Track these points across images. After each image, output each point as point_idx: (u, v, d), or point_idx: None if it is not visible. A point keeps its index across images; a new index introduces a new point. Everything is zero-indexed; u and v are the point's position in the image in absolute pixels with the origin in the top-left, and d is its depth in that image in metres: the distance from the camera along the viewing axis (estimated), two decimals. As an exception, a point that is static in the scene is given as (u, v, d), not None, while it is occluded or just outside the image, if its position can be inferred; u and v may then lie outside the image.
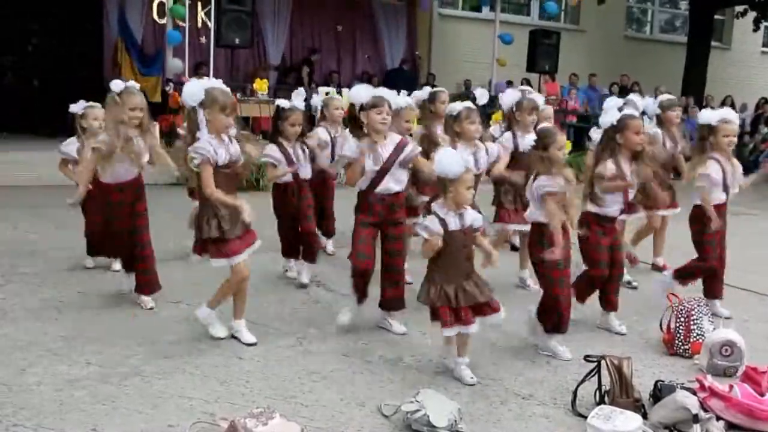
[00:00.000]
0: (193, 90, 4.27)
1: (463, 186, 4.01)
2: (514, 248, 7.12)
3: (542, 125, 4.75)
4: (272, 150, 5.65)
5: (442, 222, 4.02)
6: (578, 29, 20.10)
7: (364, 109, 4.69)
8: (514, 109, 6.00)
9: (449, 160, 4.02)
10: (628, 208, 5.00)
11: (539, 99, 6.32)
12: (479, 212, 4.32)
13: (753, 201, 11.44)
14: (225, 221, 4.33)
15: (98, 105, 5.67)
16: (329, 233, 6.99)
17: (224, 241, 4.36)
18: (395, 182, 4.78)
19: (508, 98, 6.12)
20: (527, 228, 4.93)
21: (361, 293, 4.86)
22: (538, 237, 4.45)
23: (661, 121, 6.52)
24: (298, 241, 5.93)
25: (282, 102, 5.82)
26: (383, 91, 4.80)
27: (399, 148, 4.76)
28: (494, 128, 6.66)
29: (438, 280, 4.06)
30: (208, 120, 4.26)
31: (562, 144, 4.45)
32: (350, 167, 4.75)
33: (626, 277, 6.28)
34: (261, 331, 4.78)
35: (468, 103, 5.56)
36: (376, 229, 4.81)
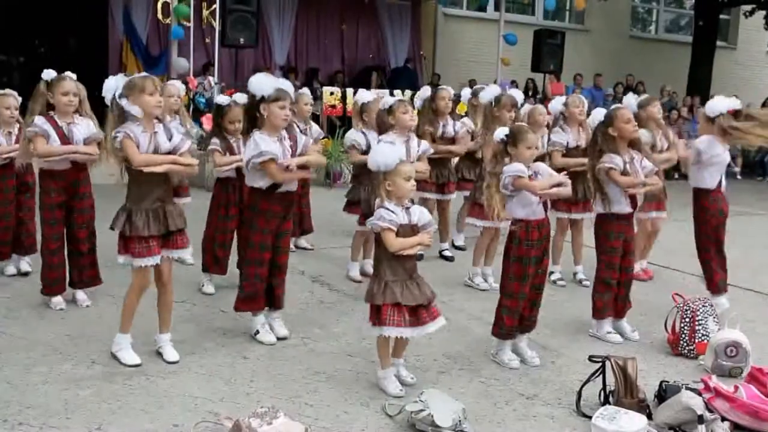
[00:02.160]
0: (111, 84, 4.12)
1: (401, 177, 3.86)
2: (454, 246, 7.18)
3: (519, 123, 4.74)
4: (215, 142, 5.56)
5: (391, 213, 3.85)
6: (583, 29, 20.06)
7: (265, 101, 4.39)
8: (492, 104, 6.02)
9: (382, 153, 3.90)
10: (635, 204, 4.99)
11: (519, 97, 6.33)
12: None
13: (758, 201, 11.43)
14: (139, 216, 4.06)
15: (13, 93, 5.68)
16: (306, 231, 6.93)
17: (131, 239, 4.07)
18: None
19: (487, 94, 6.14)
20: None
21: (260, 304, 4.67)
22: (510, 232, 4.40)
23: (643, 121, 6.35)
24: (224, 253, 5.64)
25: (220, 99, 5.79)
26: (286, 84, 4.52)
27: (293, 141, 4.52)
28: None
29: (384, 276, 3.88)
30: (134, 107, 4.07)
31: (532, 144, 4.37)
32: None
33: (580, 275, 6.40)
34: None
35: (399, 97, 5.55)
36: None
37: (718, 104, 5.24)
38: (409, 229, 3.89)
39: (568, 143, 6.20)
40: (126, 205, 4.13)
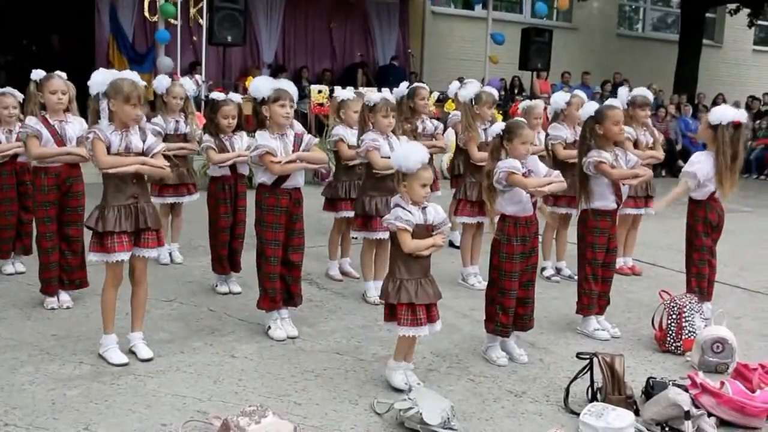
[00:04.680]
0: (98, 79, 4.11)
1: (418, 182, 3.83)
2: (452, 245, 7.20)
3: (516, 119, 4.73)
4: (208, 140, 5.60)
5: (408, 213, 3.86)
6: (571, 27, 20.13)
7: (266, 103, 4.56)
8: (472, 102, 6.04)
9: (406, 155, 3.87)
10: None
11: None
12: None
13: (745, 198, 11.49)
14: (110, 212, 4.06)
15: (13, 92, 5.71)
16: None
17: (102, 235, 4.07)
18: (301, 175, 4.72)
19: (466, 92, 6.15)
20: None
21: (278, 303, 4.73)
22: (498, 228, 4.40)
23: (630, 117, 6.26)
24: (227, 251, 5.67)
25: (216, 95, 5.81)
26: (284, 83, 4.67)
27: (299, 139, 4.68)
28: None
29: (398, 275, 3.89)
30: (112, 111, 4.07)
31: (528, 140, 4.36)
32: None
33: (567, 271, 6.43)
34: (253, 330, 4.79)
35: (387, 95, 5.56)
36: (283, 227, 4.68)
37: (723, 113, 5.02)
38: (424, 229, 3.89)
39: (566, 138, 6.23)
40: (101, 203, 4.13)
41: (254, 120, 4.75)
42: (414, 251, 3.85)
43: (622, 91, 6.44)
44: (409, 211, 3.85)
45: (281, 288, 4.72)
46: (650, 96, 6.58)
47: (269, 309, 4.71)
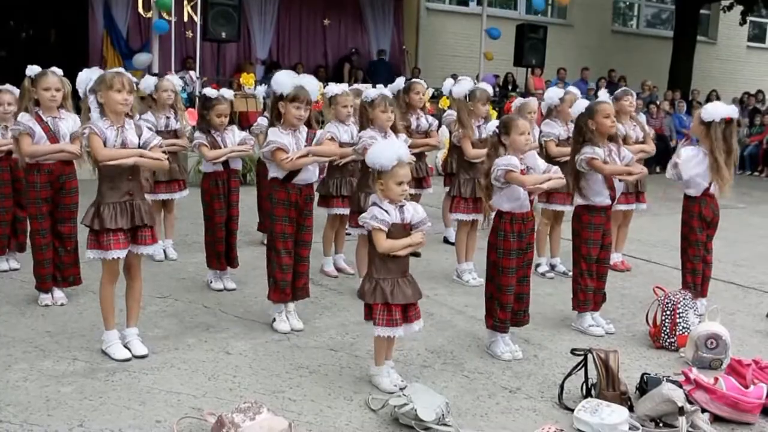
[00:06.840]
0: (83, 77, 4.13)
1: (394, 180, 3.75)
2: (447, 241, 7.20)
3: (509, 114, 4.73)
4: (200, 137, 5.60)
5: (384, 213, 3.80)
6: (565, 23, 20.15)
7: (283, 99, 4.58)
8: (467, 98, 6.06)
9: (380, 152, 3.81)
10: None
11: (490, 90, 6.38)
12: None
13: (739, 195, 11.53)
14: (106, 210, 4.05)
15: (11, 88, 5.70)
16: None
17: (99, 232, 4.07)
18: (314, 171, 4.74)
19: (459, 89, 6.16)
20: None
21: (288, 295, 4.76)
22: (495, 225, 4.42)
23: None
24: (224, 247, 5.65)
25: (208, 91, 5.82)
26: (306, 81, 4.66)
27: (311, 135, 4.71)
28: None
29: (374, 274, 3.85)
30: (102, 104, 4.06)
31: (524, 130, 4.33)
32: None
33: (561, 267, 6.43)
34: (248, 326, 4.78)
35: (386, 91, 5.57)
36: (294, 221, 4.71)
37: (715, 110, 5.00)
38: (401, 228, 3.84)
39: (559, 135, 6.25)
40: (96, 200, 4.12)
41: (271, 114, 4.75)
42: (388, 251, 3.80)
43: (602, 93, 6.46)
44: (386, 210, 3.80)
45: (291, 280, 4.73)
46: (629, 90, 6.59)
47: (279, 301, 4.73)
